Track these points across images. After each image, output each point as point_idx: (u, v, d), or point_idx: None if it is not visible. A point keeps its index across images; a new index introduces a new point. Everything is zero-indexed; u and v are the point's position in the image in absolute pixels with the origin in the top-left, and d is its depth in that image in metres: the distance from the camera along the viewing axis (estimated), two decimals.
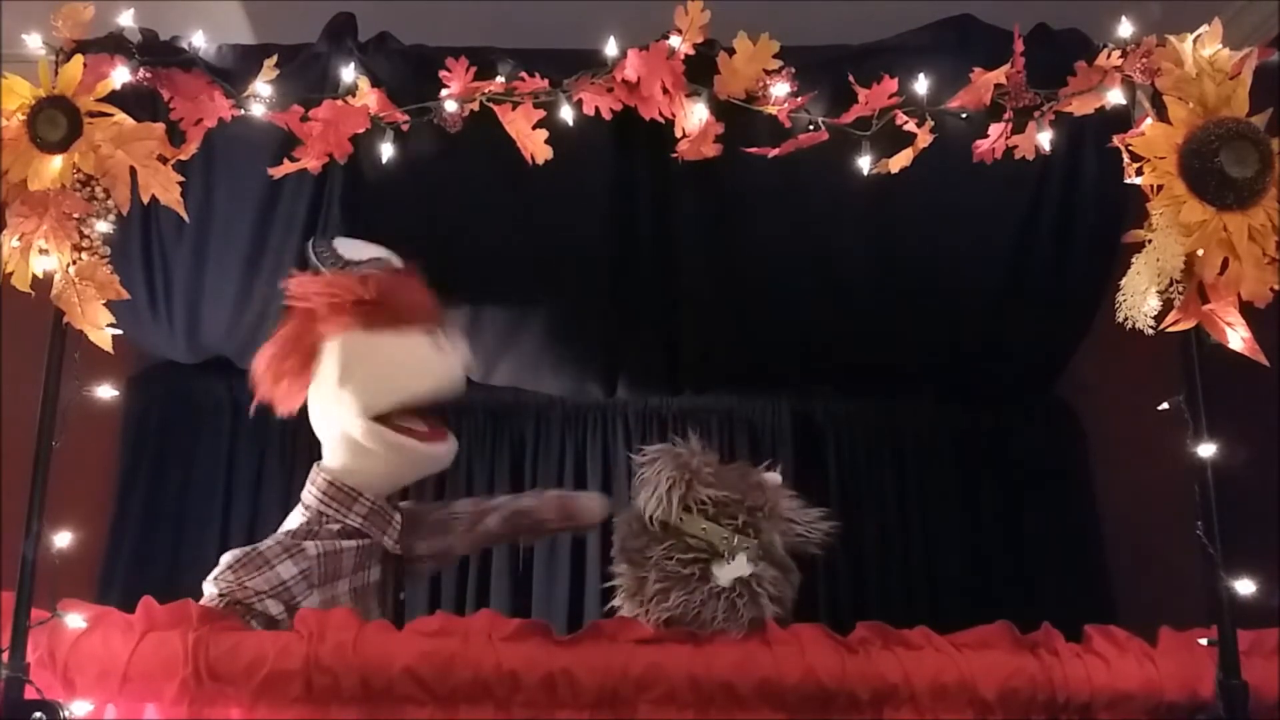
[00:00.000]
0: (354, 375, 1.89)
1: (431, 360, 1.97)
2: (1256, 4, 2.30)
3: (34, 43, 1.73)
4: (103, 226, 1.70)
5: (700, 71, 1.81)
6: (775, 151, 1.84)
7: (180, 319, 2.60)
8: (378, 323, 1.90)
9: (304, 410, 1.97)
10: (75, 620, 1.64)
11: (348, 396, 1.89)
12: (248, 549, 1.80)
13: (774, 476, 1.85)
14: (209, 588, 1.77)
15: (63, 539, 1.66)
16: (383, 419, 1.91)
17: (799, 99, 1.81)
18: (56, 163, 1.66)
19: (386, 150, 1.89)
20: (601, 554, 2.70)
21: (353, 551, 1.90)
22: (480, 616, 1.71)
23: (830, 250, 2.38)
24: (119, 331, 1.71)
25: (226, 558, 1.79)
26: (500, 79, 1.85)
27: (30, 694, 1.55)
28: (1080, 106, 1.78)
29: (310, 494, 1.94)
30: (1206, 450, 1.63)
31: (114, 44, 1.75)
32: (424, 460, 2.01)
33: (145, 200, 1.72)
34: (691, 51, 1.79)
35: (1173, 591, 2.08)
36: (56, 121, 1.66)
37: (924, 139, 1.81)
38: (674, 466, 1.74)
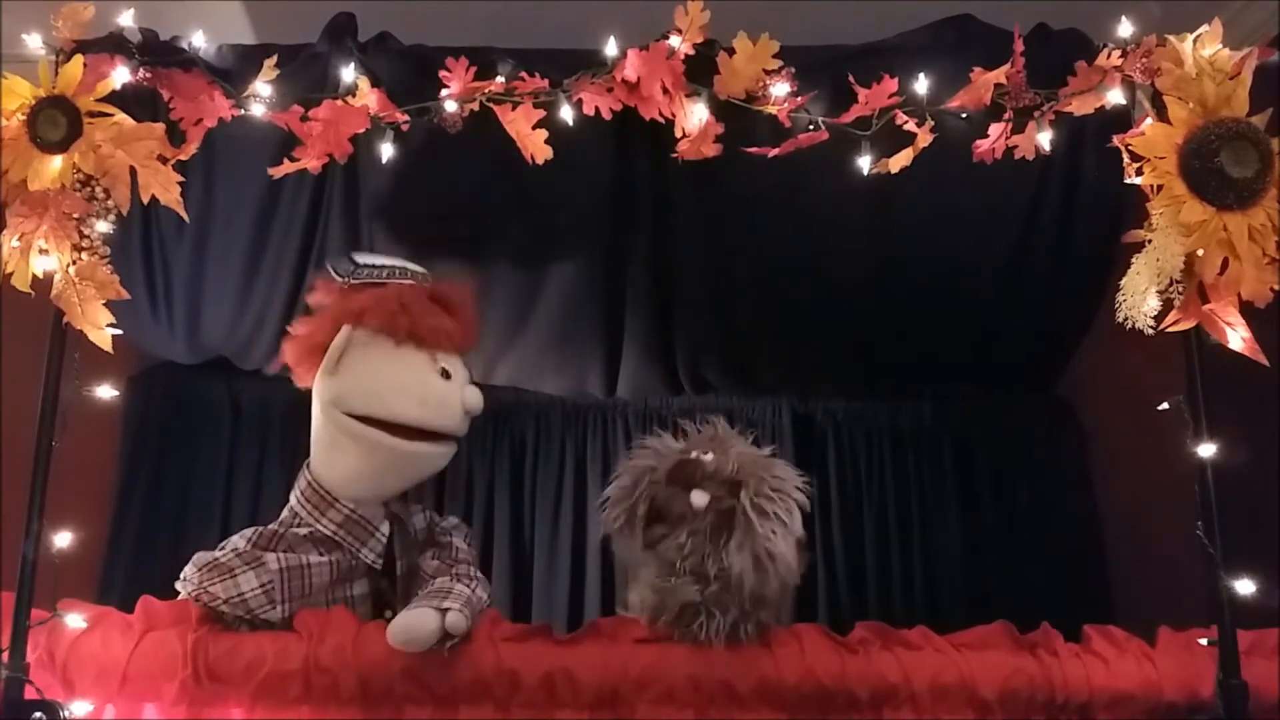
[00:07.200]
0: (344, 368, 1.84)
1: (429, 387, 1.86)
2: (1256, 4, 2.29)
3: (34, 43, 1.74)
4: (103, 226, 1.71)
5: (700, 71, 1.82)
6: (775, 151, 1.84)
7: (180, 319, 2.59)
8: (386, 330, 1.84)
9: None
10: (75, 620, 1.64)
11: (330, 384, 1.85)
12: (215, 553, 1.78)
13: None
14: (179, 587, 1.77)
15: (63, 539, 1.66)
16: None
17: (799, 99, 1.81)
18: (56, 163, 1.66)
19: (386, 150, 1.89)
20: (602, 554, 2.70)
21: (325, 567, 1.81)
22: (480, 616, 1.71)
23: (830, 250, 2.37)
24: (119, 331, 1.71)
25: (196, 558, 1.77)
26: (500, 79, 1.85)
27: (30, 694, 1.56)
28: (1080, 106, 1.78)
29: (294, 493, 1.92)
30: (1206, 450, 1.63)
31: (114, 44, 1.75)
32: (397, 458, 1.85)
33: (145, 200, 1.73)
34: (691, 51, 1.79)
35: (1173, 591, 2.08)
36: (56, 121, 1.66)
37: (924, 139, 1.81)
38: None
